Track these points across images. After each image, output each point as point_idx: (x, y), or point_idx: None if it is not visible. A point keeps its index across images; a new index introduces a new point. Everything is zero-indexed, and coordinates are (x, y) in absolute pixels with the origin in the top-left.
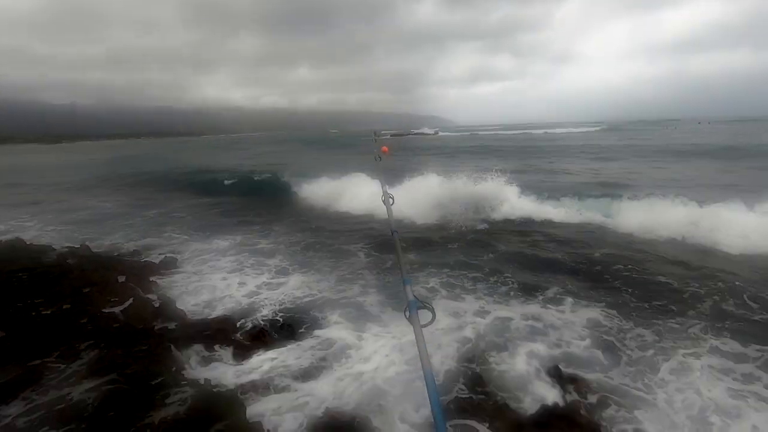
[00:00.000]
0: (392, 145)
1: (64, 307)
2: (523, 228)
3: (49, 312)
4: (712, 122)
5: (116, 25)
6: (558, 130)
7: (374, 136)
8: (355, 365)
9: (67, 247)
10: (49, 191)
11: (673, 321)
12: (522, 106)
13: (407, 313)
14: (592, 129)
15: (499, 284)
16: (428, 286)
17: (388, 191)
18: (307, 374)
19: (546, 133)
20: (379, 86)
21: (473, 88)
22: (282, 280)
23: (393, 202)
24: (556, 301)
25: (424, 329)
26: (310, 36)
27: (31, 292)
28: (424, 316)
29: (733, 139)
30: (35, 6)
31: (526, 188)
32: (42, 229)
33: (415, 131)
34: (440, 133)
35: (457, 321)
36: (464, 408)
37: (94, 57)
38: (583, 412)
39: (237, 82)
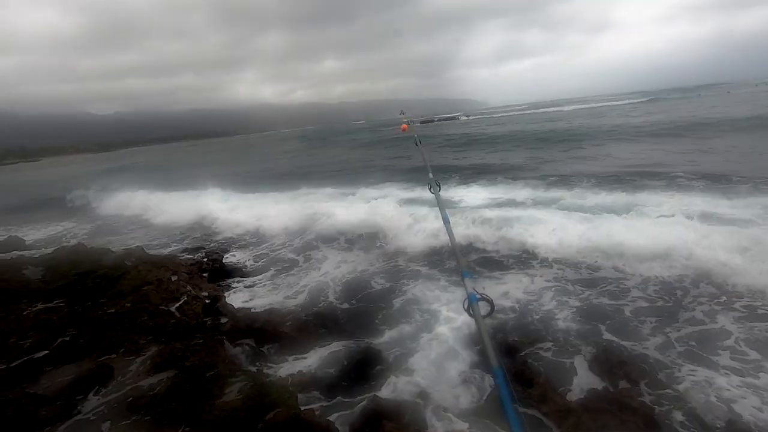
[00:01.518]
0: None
1: (126, 305)
2: None
3: (113, 310)
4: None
5: (150, 34)
6: (595, 104)
7: (401, 114)
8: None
9: (124, 248)
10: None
11: None
12: (556, 81)
13: (466, 305)
14: (634, 101)
15: None
16: None
17: (432, 177)
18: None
19: (581, 108)
20: (405, 72)
21: (502, 66)
22: None
23: (440, 189)
24: None
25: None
26: (333, 27)
27: (96, 292)
28: (483, 308)
29: None
30: (77, 23)
31: None
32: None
33: (437, 117)
34: (463, 118)
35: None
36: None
37: (131, 66)
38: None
39: (266, 78)
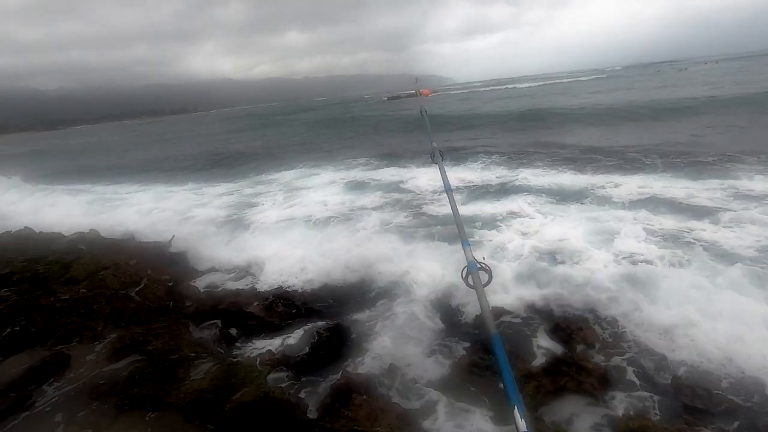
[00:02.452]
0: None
1: (81, 291)
2: None
3: (67, 297)
4: (719, 61)
5: (94, 1)
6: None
7: (415, 83)
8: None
9: (76, 233)
10: None
11: None
12: (520, 57)
13: (464, 274)
14: (591, 77)
15: None
16: None
17: (434, 144)
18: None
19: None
20: (372, 46)
21: (469, 42)
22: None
23: (443, 159)
24: None
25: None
26: None
27: (47, 280)
28: (481, 277)
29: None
30: None
31: None
32: None
33: (405, 93)
34: (432, 94)
35: None
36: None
37: (75, 37)
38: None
39: (226, 52)
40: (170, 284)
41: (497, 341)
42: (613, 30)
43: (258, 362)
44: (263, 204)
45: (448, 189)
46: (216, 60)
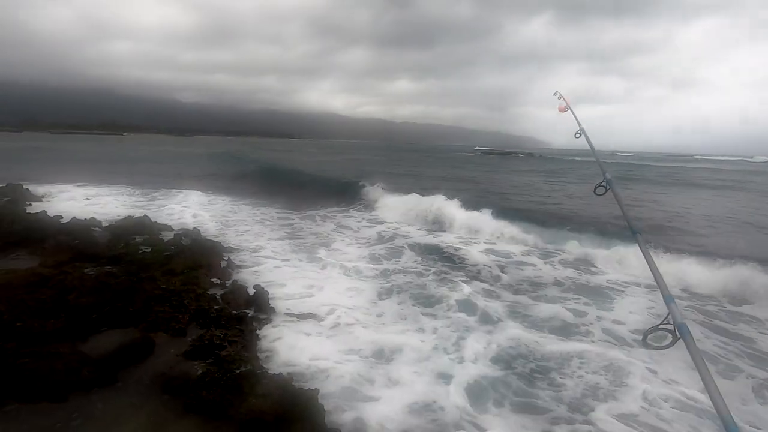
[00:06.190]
0: None
1: (177, 283)
2: None
3: (164, 286)
4: None
5: (247, 38)
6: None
7: (557, 94)
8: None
9: (182, 228)
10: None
11: None
12: (631, 131)
13: (678, 335)
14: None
15: None
16: None
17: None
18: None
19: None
20: (474, 102)
21: (574, 110)
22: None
23: (606, 190)
24: None
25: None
26: (414, 50)
27: (151, 266)
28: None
29: None
30: (188, 21)
31: None
32: None
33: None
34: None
35: None
36: None
37: (226, 64)
38: None
39: (340, 90)
40: (252, 293)
41: (733, 428)
42: (750, 118)
43: (319, 395)
44: None
45: (636, 232)
46: (329, 96)
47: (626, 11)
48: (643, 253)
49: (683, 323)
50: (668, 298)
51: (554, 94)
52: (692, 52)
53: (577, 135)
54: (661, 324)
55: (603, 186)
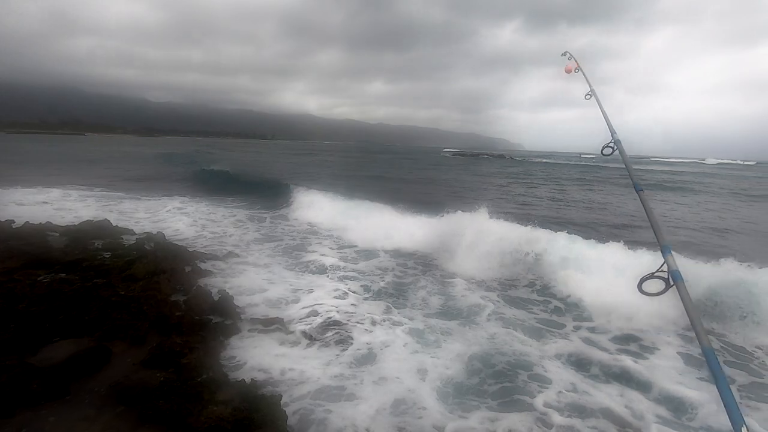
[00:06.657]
0: None
1: (136, 290)
2: None
3: (123, 293)
4: None
5: (219, 36)
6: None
7: (567, 54)
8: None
9: (145, 232)
10: None
11: None
12: (596, 134)
13: (668, 283)
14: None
15: None
16: None
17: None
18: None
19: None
20: (448, 104)
21: (544, 113)
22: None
23: (614, 150)
24: None
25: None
26: (390, 52)
27: (110, 272)
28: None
29: None
30: (159, 18)
31: None
32: None
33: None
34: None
35: None
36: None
37: (195, 62)
38: None
39: (314, 91)
40: (216, 298)
41: (711, 355)
42: (704, 124)
43: (282, 401)
44: None
45: (638, 189)
46: (304, 97)
47: (592, 19)
48: (645, 209)
49: (677, 270)
50: (665, 248)
51: (563, 54)
52: (655, 58)
53: (588, 97)
54: (656, 272)
55: (611, 147)
